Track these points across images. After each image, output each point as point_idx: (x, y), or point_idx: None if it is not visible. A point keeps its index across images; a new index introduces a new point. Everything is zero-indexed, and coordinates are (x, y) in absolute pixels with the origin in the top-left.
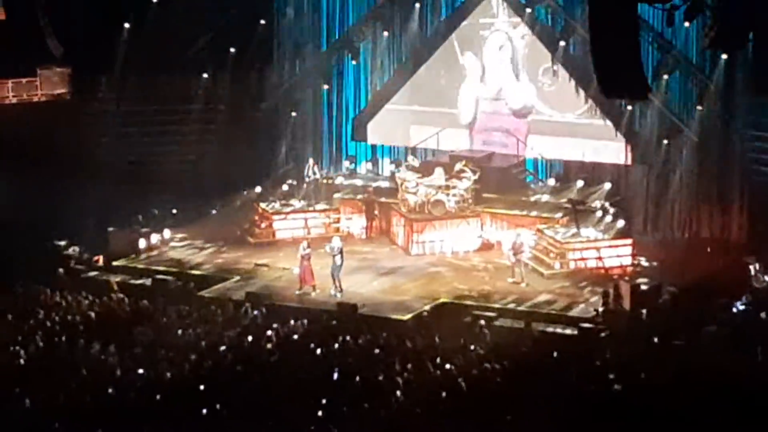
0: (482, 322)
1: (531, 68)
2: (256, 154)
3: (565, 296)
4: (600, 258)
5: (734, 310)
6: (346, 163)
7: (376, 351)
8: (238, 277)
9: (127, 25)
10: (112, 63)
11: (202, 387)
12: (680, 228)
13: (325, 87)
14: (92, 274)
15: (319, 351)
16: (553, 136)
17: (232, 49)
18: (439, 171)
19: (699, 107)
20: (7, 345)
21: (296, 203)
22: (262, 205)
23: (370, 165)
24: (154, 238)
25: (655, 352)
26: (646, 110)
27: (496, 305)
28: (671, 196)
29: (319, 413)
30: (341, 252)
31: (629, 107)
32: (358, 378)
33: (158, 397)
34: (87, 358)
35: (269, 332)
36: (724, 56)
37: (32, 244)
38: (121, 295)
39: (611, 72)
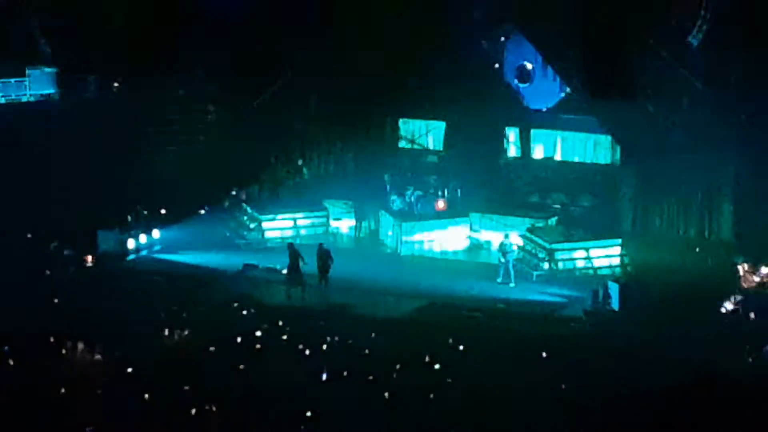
0: (471, 322)
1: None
2: (246, 154)
3: (554, 296)
4: (589, 258)
5: (723, 310)
6: None
7: (366, 351)
8: (227, 278)
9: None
10: (101, 63)
11: (190, 387)
12: (669, 228)
13: None
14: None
15: (308, 351)
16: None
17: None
18: None
19: (688, 106)
20: None
21: (285, 204)
22: (252, 205)
23: None
24: (143, 238)
25: (644, 352)
26: (634, 109)
27: (486, 306)
28: (660, 195)
29: (308, 413)
30: (329, 255)
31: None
32: (346, 378)
33: (146, 396)
34: (77, 358)
35: (258, 333)
36: (715, 55)
37: (21, 245)
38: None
39: (599, 72)
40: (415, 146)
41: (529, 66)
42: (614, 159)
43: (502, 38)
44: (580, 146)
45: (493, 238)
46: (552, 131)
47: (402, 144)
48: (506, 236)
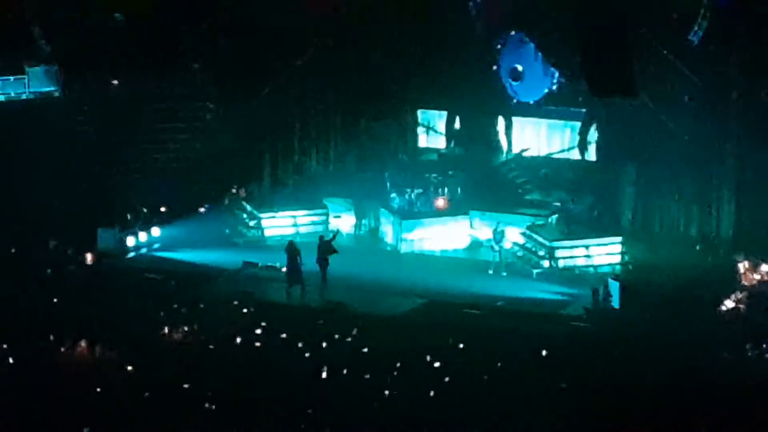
0: (471, 320)
1: None
2: (245, 151)
3: (555, 294)
4: (589, 256)
5: (724, 308)
6: None
7: (365, 349)
8: (226, 276)
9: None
10: (100, 60)
11: (189, 385)
12: (669, 225)
13: None
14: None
15: (307, 350)
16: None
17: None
18: None
19: (688, 104)
20: None
21: (285, 201)
22: (252, 203)
23: None
24: (143, 236)
25: (645, 349)
26: (635, 108)
27: (486, 304)
28: (660, 193)
29: (308, 411)
30: (329, 247)
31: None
32: (346, 376)
33: (147, 394)
34: (76, 356)
35: (258, 330)
36: (715, 53)
37: (21, 242)
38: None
39: (601, 70)
40: (431, 132)
41: (520, 68)
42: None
43: (499, 46)
44: (559, 133)
45: (487, 228)
46: (537, 120)
47: (419, 131)
48: (498, 224)
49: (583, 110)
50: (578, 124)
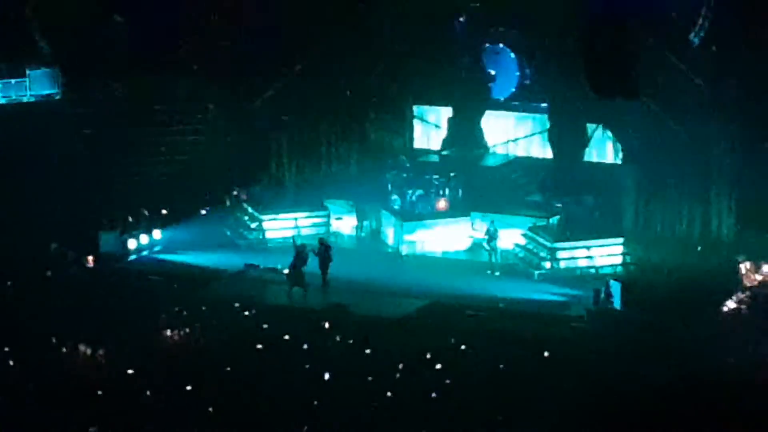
0: (472, 322)
1: None
2: (246, 153)
3: (556, 296)
4: (590, 257)
5: (725, 308)
6: None
7: (367, 351)
8: (228, 278)
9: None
10: (102, 63)
11: (191, 387)
12: (670, 226)
13: None
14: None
15: (309, 351)
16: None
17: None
18: None
19: (689, 104)
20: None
21: (287, 203)
22: (253, 205)
23: None
24: (144, 238)
25: (646, 350)
26: (636, 109)
27: (487, 305)
28: (662, 194)
29: (310, 413)
30: (327, 250)
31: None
32: (348, 378)
33: (148, 393)
34: (78, 358)
35: (259, 333)
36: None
37: (22, 245)
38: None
39: (602, 71)
40: (424, 123)
41: (493, 72)
42: (617, 157)
43: None
44: (523, 124)
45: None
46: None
47: (416, 122)
48: (492, 222)
49: (543, 105)
50: (539, 116)
